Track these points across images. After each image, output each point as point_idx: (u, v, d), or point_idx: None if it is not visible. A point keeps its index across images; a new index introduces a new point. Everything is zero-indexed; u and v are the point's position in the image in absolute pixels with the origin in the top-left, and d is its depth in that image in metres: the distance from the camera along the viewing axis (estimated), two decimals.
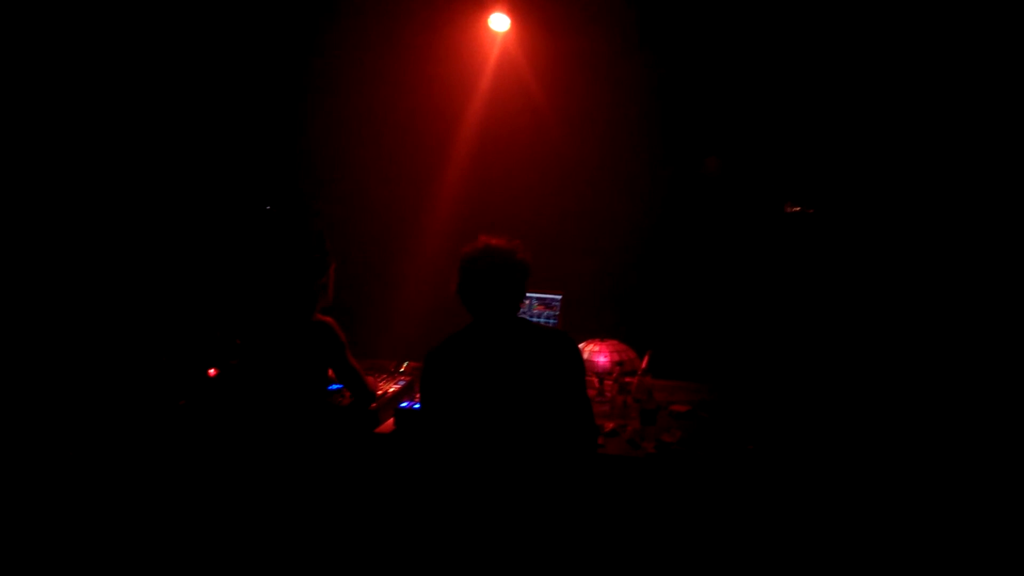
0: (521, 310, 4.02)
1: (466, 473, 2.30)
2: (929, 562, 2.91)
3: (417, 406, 3.19)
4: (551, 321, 3.96)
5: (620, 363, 3.56)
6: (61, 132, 4.17)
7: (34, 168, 4.09)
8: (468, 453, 2.27)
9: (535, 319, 4.05)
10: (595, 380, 3.69)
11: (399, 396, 3.40)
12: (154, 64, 4.45)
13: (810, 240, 4.35)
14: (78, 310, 4.07)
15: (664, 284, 4.57)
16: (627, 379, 3.52)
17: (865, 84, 4.12)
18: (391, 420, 3.26)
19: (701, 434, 3.14)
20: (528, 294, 4.08)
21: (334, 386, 3.41)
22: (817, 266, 4.32)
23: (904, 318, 4.00)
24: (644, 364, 3.53)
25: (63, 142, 4.18)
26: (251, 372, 2.97)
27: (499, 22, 4.43)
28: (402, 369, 3.75)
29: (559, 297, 3.99)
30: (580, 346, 3.71)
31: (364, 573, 3.15)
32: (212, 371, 3.43)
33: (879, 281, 4.12)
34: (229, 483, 3.01)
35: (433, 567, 2.90)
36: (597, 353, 3.65)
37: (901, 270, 4.07)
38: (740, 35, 4.31)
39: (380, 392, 3.33)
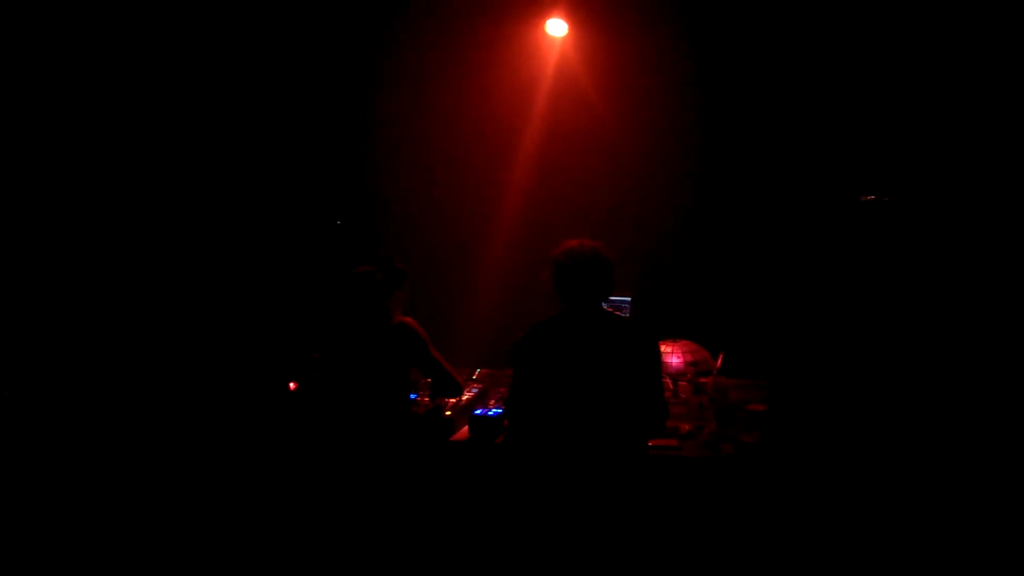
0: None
1: (542, 448, 2.51)
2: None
3: (492, 413, 3.21)
4: None
5: (694, 363, 3.51)
6: (157, 152, 4.42)
7: (130, 190, 4.34)
8: (546, 428, 2.50)
9: None
10: (669, 381, 3.64)
11: (473, 404, 3.43)
12: (233, 86, 4.65)
13: (889, 231, 4.18)
14: (168, 326, 4.27)
15: (736, 282, 4.47)
16: (702, 379, 3.46)
17: (944, 64, 3.95)
18: (466, 428, 3.29)
19: (780, 434, 3.06)
20: None
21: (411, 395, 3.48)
22: (897, 259, 4.15)
23: (992, 315, 3.79)
24: (719, 364, 3.47)
25: (159, 161, 4.44)
26: (333, 382, 3.05)
27: (557, 27, 4.44)
28: (474, 377, 3.78)
29: (628, 299, 3.96)
30: None
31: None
32: (292, 384, 3.55)
33: (965, 274, 3.93)
34: (311, 493, 3.10)
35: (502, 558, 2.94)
36: (670, 354, 3.61)
37: (990, 263, 3.86)
38: (802, 23, 4.20)
39: (453, 401, 3.37)
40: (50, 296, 4.06)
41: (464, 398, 3.43)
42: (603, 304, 2.61)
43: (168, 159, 4.54)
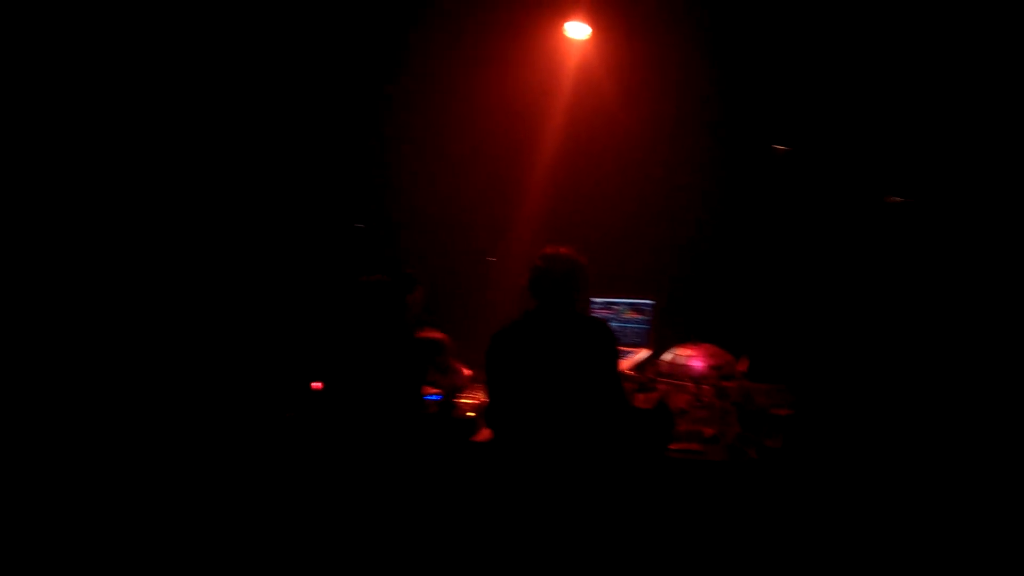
0: (609, 314, 4.04)
1: (512, 438, 2.72)
2: None
3: None
4: (643, 326, 3.92)
5: (717, 367, 3.48)
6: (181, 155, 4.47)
7: (158, 193, 4.39)
8: (514, 420, 2.72)
9: (626, 325, 4.02)
10: (691, 385, 3.62)
11: None
12: (253, 87, 4.68)
13: (915, 233, 4.14)
14: (192, 324, 4.31)
15: (760, 285, 4.44)
16: (725, 383, 3.43)
17: (973, 61, 3.90)
18: (487, 430, 3.29)
19: (806, 438, 3.03)
20: (618, 300, 4.08)
21: (431, 396, 3.48)
22: (923, 262, 4.10)
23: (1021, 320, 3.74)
24: (742, 367, 3.45)
25: (180, 163, 4.48)
26: (350, 388, 3.05)
27: (577, 30, 4.44)
28: None
29: (651, 302, 3.95)
30: (675, 350, 3.65)
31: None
32: (316, 384, 3.54)
33: (994, 278, 3.87)
34: (331, 493, 3.10)
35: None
36: (692, 357, 3.59)
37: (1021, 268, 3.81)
38: (824, 19, 4.18)
39: (478, 402, 3.37)
40: (83, 298, 4.12)
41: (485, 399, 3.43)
42: (572, 305, 2.77)
43: (192, 162, 4.58)
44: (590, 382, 2.65)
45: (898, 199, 4.12)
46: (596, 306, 4.14)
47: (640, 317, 3.97)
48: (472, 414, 3.26)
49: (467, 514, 3.21)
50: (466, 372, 3.69)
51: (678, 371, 3.59)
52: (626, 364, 3.75)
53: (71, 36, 4.08)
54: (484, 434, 3.28)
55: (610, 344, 2.72)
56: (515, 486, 2.68)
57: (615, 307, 4.08)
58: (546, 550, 2.62)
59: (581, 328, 2.71)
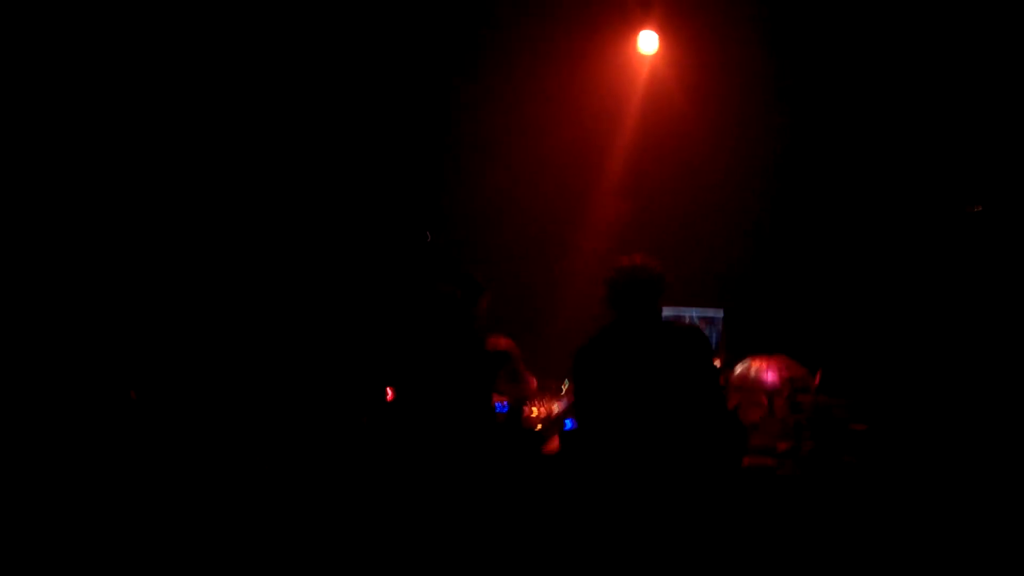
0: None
1: (614, 453, 2.59)
2: None
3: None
4: (713, 337, 3.88)
5: (790, 380, 3.42)
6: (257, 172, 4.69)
7: (230, 215, 4.62)
8: (614, 434, 2.60)
9: None
10: (763, 399, 3.56)
11: (564, 416, 3.46)
12: (327, 107, 4.85)
13: (998, 244, 3.96)
14: (271, 336, 4.50)
15: (835, 296, 4.33)
16: (799, 396, 3.37)
17: None
18: (556, 440, 3.32)
19: (881, 453, 2.95)
20: (688, 310, 4.05)
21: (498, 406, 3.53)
22: (1009, 275, 3.92)
23: None
24: (816, 381, 3.38)
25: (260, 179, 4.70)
26: (425, 394, 3.13)
27: (648, 41, 4.42)
28: (564, 389, 3.80)
29: (721, 313, 3.91)
30: (746, 362, 3.60)
31: None
32: (390, 392, 3.65)
33: None
34: (406, 495, 3.17)
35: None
36: (764, 370, 3.53)
37: None
38: (901, 25, 4.06)
39: (545, 414, 3.40)
40: (183, 306, 4.40)
41: (555, 410, 3.46)
42: (657, 314, 2.69)
43: (265, 169, 4.78)
44: (695, 391, 2.56)
45: (980, 208, 3.96)
46: (665, 317, 4.11)
47: (709, 328, 3.93)
48: (540, 427, 3.30)
49: (536, 524, 3.24)
50: (534, 381, 3.72)
51: (750, 383, 3.54)
52: None
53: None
54: (554, 445, 3.31)
55: (709, 351, 2.66)
56: (612, 500, 2.59)
57: (685, 318, 4.04)
58: (625, 559, 2.59)
59: (678, 337, 2.65)
